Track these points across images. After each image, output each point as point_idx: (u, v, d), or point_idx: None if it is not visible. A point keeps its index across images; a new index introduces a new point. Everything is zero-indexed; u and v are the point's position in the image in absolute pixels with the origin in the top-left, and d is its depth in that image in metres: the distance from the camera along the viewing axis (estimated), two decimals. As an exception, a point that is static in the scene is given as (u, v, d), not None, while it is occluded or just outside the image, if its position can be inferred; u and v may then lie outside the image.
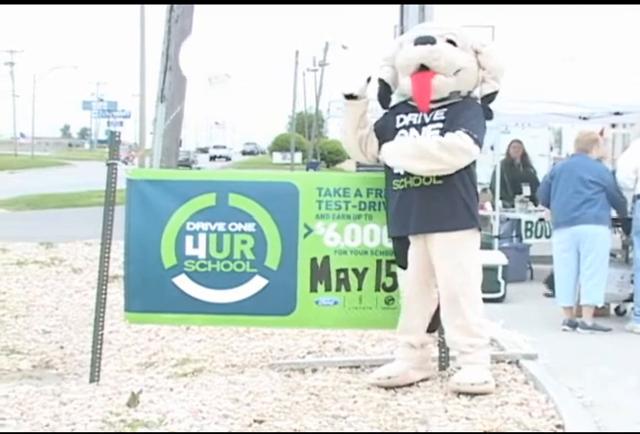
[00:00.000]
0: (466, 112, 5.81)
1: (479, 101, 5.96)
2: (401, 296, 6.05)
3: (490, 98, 5.94)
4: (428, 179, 5.79)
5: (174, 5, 12.10)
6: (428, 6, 9.64)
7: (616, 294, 8.92)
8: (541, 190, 9.11)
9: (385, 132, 5.99)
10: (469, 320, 5.80)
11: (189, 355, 6.84)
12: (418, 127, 5.85)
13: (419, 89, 5.83)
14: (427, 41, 5.82)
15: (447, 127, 5.74)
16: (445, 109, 5.83)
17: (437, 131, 5.77)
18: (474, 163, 5.88)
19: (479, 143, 5.72)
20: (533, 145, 14.55)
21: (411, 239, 5.90)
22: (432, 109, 5.85)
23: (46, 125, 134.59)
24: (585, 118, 11.65)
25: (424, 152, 5.68)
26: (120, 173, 6.13)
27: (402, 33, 9.25)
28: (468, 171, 5.84)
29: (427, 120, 5.85)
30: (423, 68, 5.82)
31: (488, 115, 5.93)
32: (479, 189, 12.86)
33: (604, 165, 8.93)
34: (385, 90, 6.07)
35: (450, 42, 5.87)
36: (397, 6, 10.06)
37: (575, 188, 8.51)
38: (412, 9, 9.61)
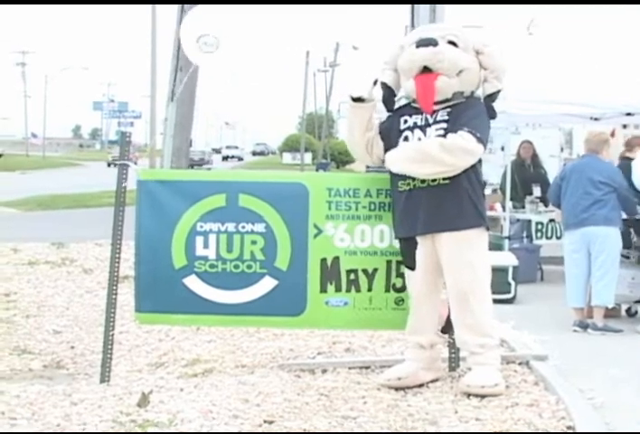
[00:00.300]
0: (469, 112, 5.81)
1: (482, 101, 5.96)
2: (410, 296, 6.05)
3: (493, 97, 5.96)
4: (434, 179, 5.78)
5: (185, 6, 12.15)
6: (439, 6, 9.63)
7: (627, 295, 8.90)
8: (552, 191, 9.10)
9: (390, 134, 6.00)
10: (479, 319, 5.80)
11: (199, 356, 6.85)
12: (423, 129, 5.86)
13: (423, 91, 5.83)
14: (429, 43, 5.83)
15: (451, 127, 5.75)
16: (448, 110, 5.84)
17: (442, 131, 5.77)
18: (479, 161, 5.87)
19: (482, 142, 5.72)
20: (544, 145, 14.53)
21: (419, 239, 5.90)
22: (436, 110, 5.85)
23: (57, 125, 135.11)
24: (596, 119, 11.62)
25: (426, 155, 5.69)
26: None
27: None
28: (474, 169, 5.85)
29: (430, 121, 5.85)
30: (426, 70, 5.83)
31: (492, 114, 5.94)
32: (490, 190, 12.93)
33: (613, 166, 8.90)
34: (389, 94, 6.08)
35: (452, 43, 5.88)
36: (408, 7, 10.07)
37: (585, 189, 8.50)
38: (423, 9, 9.61)
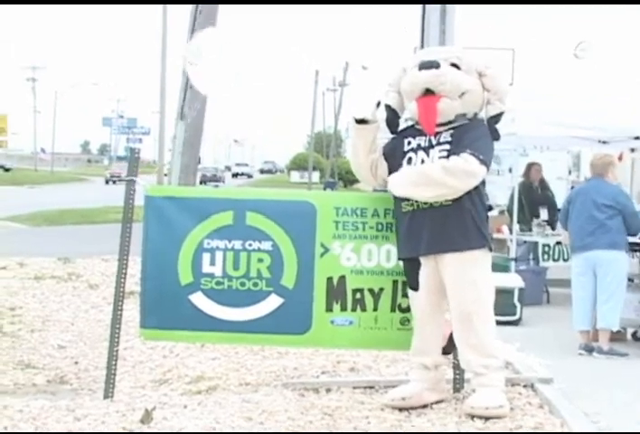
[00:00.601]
0: (472, 133, 5.83)
1: (485, 123, 5.98)
2: (414, 317, 6.04)
3: (496, 119, 5.97)
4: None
5: (196, 23, 12.22)
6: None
7: (634, 319, 8.88)
8: (561, 214, 9.14)
9: (394, 155, 6.01)
10: (482, 339, 5.78)
11: (203, 373, 6.84)
12: (426, 150, 5.88)
13: (425, 113, 5.86)
14: (431, 65, 5.86)
15: (454, 148, 5.76)
16: (451, 131, 5.86)
17: (445, 153, 5.79)
18: (483, 182, 5.88)
19: (485, 164, 5.73)
20: (552, 168, 14.53)
21: (422, 260, 5.90)
22: (439, 132, 5.87)
23: (66, 141, 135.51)
24: (604, 142, 11.63)
25: (429, 179, 5.70)
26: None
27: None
28: (477, 191, 5.85)
29: (434, 143, 5.87)
30: (428, 92, 5.85)
31: (495, 136, 5.95)
32: (497, 211, 12.91)
33: (619, 187, 8.91)
34: (393, 116, 6.11)
35: (454, 65, 5.90)
36: (418, 30, 10.08)
37: (589, 212, 8.51)
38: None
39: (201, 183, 68.10)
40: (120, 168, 72.93)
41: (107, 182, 68.75)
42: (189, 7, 12.29)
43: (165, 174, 20.93)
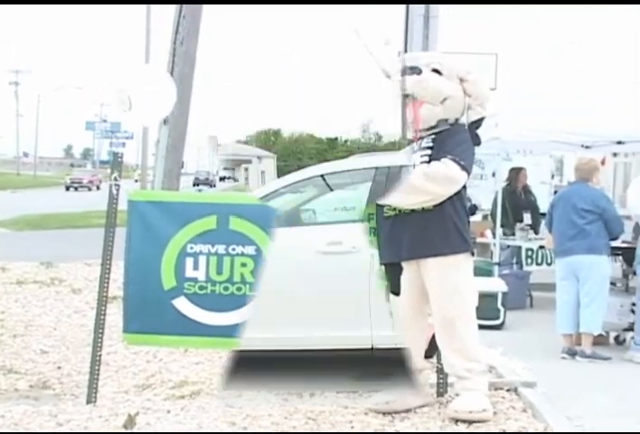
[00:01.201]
0: (453, 138, 5.85)
1: (466, 128, 6.00)
2: (397, 322, 6.05)
3: (477, 124, 5.99)
4: None
5: (180, 27, 12.22)
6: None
7: (616, 323, 8.90)
8: (546, 218, 9.16)
9: None
10: (466, 343, 5.80)
11: (187, 378, 6.82)
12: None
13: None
14: (413, 71, 5.87)
15: (435, 154, 5.78)
16: (433, 136, 5.88)
17: (426, 158, 5.81)
18: (464, 187, 5.90)
19: (466, 170, 5.74)
20: (535, 172, 14.56)
21: (404, 265, 5.91)
22: (420, 137, 5.89)
23: (49, 145, 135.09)
24: (587, 147, 11.67)
25: (410, 186, 5.71)
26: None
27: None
28: (458, 195, 5.87)
29: (416, 148, 5.89)
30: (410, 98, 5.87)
31: (476, 141, 5.97)
32: (480, 216, 12.92)
33: (601, 191, 8.93)
34: None
35: (436, 71, 5.92)
36: (402, 34, 10.11)
37: (569, 217, 8.53)
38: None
39: (194, 185, 68.55)
40: (83, 173, 69.35)
41: (67, 188, 62.17)
42: (173, 12, 12.29)
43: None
